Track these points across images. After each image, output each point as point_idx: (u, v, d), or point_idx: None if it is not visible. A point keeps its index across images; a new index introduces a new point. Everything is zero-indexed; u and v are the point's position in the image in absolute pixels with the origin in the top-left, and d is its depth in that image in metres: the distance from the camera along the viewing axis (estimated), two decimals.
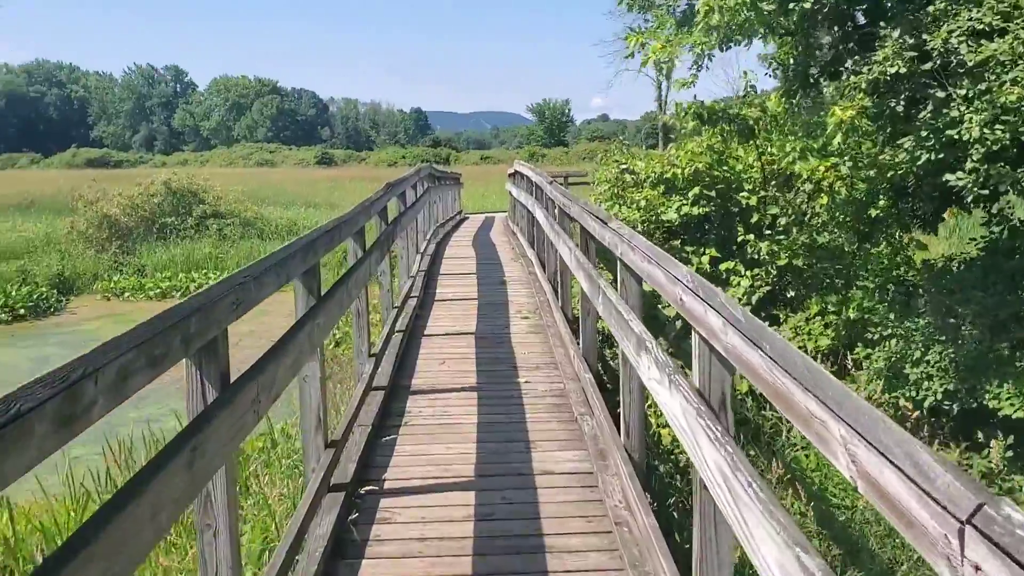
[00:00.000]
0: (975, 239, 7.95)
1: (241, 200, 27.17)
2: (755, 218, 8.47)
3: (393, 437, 5.24)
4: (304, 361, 3.67)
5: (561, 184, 9.22)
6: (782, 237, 8.31)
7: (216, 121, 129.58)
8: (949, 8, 6.10)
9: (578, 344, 6.62)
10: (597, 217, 4.89)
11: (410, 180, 9.73)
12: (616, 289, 4.35)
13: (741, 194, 8.63)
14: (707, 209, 8.58)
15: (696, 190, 8.50)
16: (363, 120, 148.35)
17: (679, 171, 8.65)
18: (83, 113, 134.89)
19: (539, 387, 6.37)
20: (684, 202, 8.59)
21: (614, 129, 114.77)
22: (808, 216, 8.54)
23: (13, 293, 18.74)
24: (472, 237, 17.17)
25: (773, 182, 8.97)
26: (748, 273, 8.16)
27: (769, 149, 8.57)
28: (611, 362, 7.87)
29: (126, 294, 20.10)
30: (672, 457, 6.20)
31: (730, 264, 8.20)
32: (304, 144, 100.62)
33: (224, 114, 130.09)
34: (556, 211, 7.89)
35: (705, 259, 8.29)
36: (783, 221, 8.36)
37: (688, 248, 8.63)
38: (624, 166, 9.22)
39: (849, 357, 7.40)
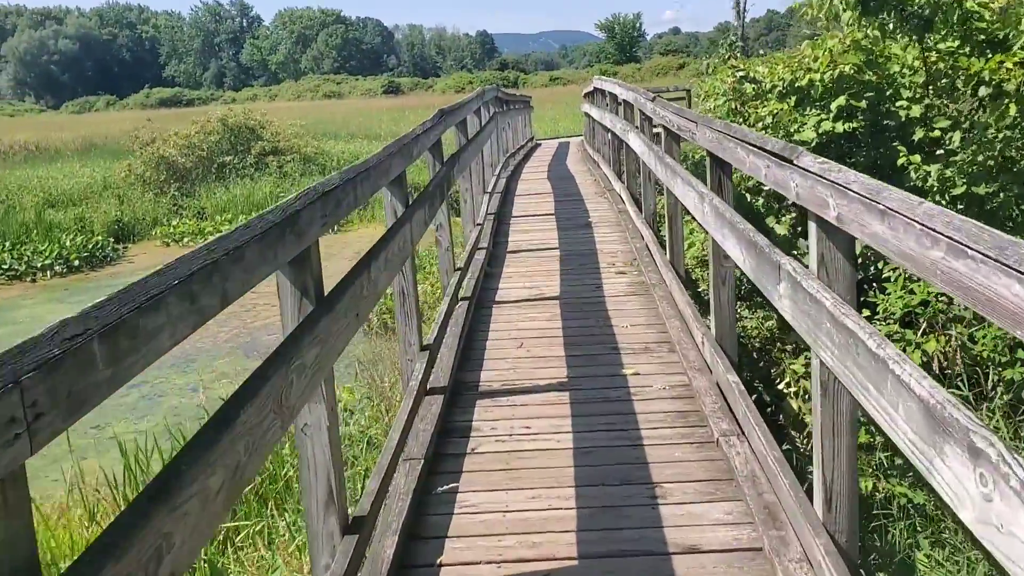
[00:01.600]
0: None
1: (300, 135, 25.78)
2: (919, 134, 6.47)
3: (455, 484, 3.60)
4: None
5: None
6: (958, 158, 6.33)
7: (283, 55, 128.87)
8: None
9: (707, 324, 4.84)
10: (762, 149, 3.05)
11: (471, 105, 7.94)
12: (814, 270, 2.58)
13: (899, 103, 6.61)
14: (854, 124, 6.60)
15: (840, 100, 6.50)
16: (428, 46, 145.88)
17: (816, 76, 6.67)
18: (154, 53, 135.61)
19: (654, 383, 4.65)
20: (824, 116, 6.63)
21: (687, 42, 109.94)
22: (985, 130, 6.49)
23: (68, 243, 17.70)
24: (547, 168, 15.31)
25: (931, 87, 6.93)
26: None
27: (935, 43, 6.53)
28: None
29: (185, 239, 18.97)
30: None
31: None
32: (370, 74, 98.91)
33: (290, 47, 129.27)
34: (663, 136, 6.05)
35: None
36: (956, 137, 6.34)
37: None
38: (742, 73, 7.25)
39: None
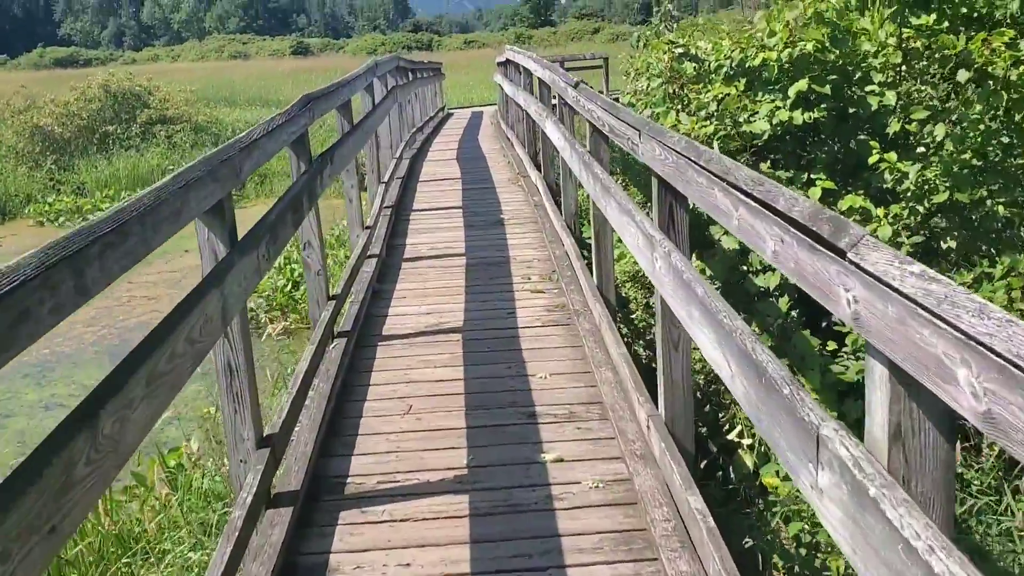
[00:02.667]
0: None
1: (192, 102, 23.78)
2: (894, 126, 5.39)
3: None
4: None
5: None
6: (937, 155, 5.29)
7: (186, 13, 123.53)
8: None
9: (654, 401, 3.62)
10: (772, 209, 1.75)
11: (356, 84, 6.50)
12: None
13: (868, 88, 5.52)
14: (816, 114, 5.50)
15: (801, 84, 5.38)
16: (340, 5, 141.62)
17: (772, 55, 5.54)
18: (49, 10, 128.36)
19: (583, 476, 3.45)
20: (780, 103, 5.52)
21: (601, 5, 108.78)
22: (972, 122, 5.45)
23: None
24: (457, 145, 13.94)
25: (904, 69, 5.87)
26: (881, 212, 5.14)
27: (908, 16, 5.45)
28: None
29: (62, 219, 17.20)
30: None
31: (855, 199, 5.17)
32: (279, 34, 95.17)
33: (194, 5, 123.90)
34: (589, 133, 4.81)
35: (814, 192, 5.26)
36: (940, 131, 5.28)
37: (783, 173, 5.58)
38: (681, 49, 6.04)
39: None
